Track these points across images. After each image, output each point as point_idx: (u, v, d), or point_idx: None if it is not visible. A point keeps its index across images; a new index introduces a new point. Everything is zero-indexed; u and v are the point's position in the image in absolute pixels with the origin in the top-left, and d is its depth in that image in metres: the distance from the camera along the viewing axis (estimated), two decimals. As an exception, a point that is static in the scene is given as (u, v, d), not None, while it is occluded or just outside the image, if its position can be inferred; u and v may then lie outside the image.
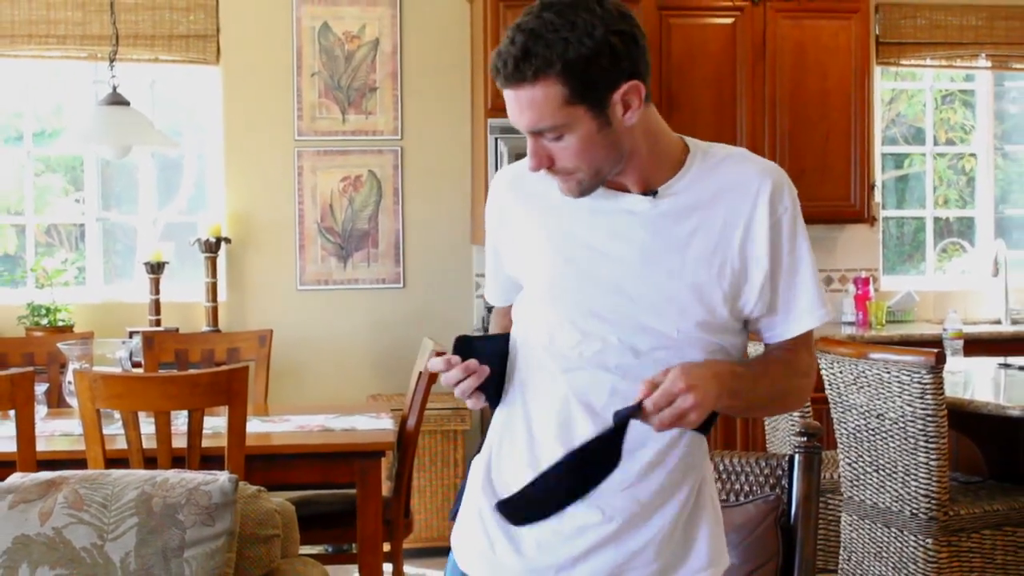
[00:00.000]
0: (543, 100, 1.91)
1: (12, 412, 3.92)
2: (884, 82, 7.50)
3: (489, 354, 2.07)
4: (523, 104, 1.93)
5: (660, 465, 2.06)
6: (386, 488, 4.77)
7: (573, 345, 2.05)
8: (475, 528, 2.18)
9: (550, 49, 1.88)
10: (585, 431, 2.00)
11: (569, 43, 1.88)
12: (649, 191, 2.06)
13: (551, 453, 2.01)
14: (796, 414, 5.09)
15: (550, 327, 2.08)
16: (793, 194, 2.11)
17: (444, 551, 2.32)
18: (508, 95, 1.95)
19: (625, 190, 2.07)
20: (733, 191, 2.07)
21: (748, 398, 2.06)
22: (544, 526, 2.04)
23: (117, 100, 5.34)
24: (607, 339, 2.03)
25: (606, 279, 2.04)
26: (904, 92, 7.71)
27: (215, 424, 4.29)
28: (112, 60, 5.55)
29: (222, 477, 2.85)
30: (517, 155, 5.06)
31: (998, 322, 7.15)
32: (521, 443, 2.12)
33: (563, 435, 2.03)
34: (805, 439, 2.68)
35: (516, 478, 2.07)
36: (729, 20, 6.74)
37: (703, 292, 2.03)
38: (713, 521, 2.18)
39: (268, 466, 4.21)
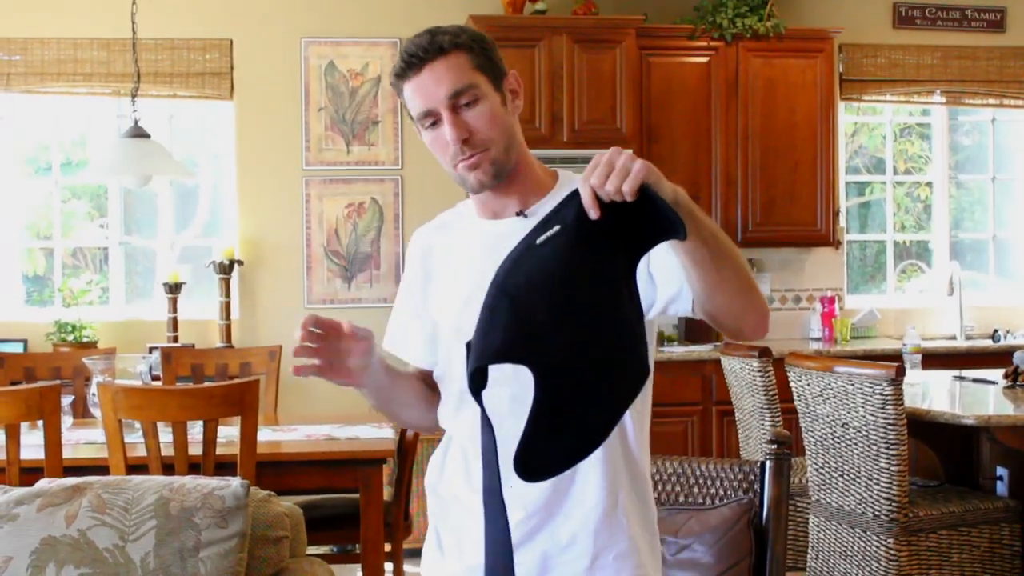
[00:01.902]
0: (457, 65, 1.99)
1: (40, 422, 3.91)
2: (847, 116, 7.52)
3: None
4: (440, 74, 1.98)
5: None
6: (387, 493, 4.76)
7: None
8: (431, 538, 2.19)
9: (454, 32, 2.02)
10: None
11: (466, 30, 2.04)
12: (519, 212, 2.08)
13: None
14: (768, 423, 5.09)
15: (456, 362, 2.01)
16: None
17: (441, 551, 2.31)
18: (423, 77, 2.00)
19: (501, 216, 2.10)
20: None
21: (710, 226, 1.81)
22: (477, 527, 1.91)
23: (138, 133, 5.34)
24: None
25: None
26: (866, 125, 7.73)
27: (228, 433, 4.27)
28: (134, 96, 5.55)
29: (235, 483, 2.84)
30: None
31: (953, 338, 7.16)
32: (458, 457, 2.12)
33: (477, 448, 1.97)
34: (775, 446, 2.68)
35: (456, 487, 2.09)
36: (704, 59, 6.76)
37: None
38: (640, 507, 2.08)
39: (278, 472, 4.20)
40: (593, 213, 1.66)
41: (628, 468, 2.05)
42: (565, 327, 1.65)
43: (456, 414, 2.12)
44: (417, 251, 2.25)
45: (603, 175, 1.65)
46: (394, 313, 2.30)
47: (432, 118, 2.01)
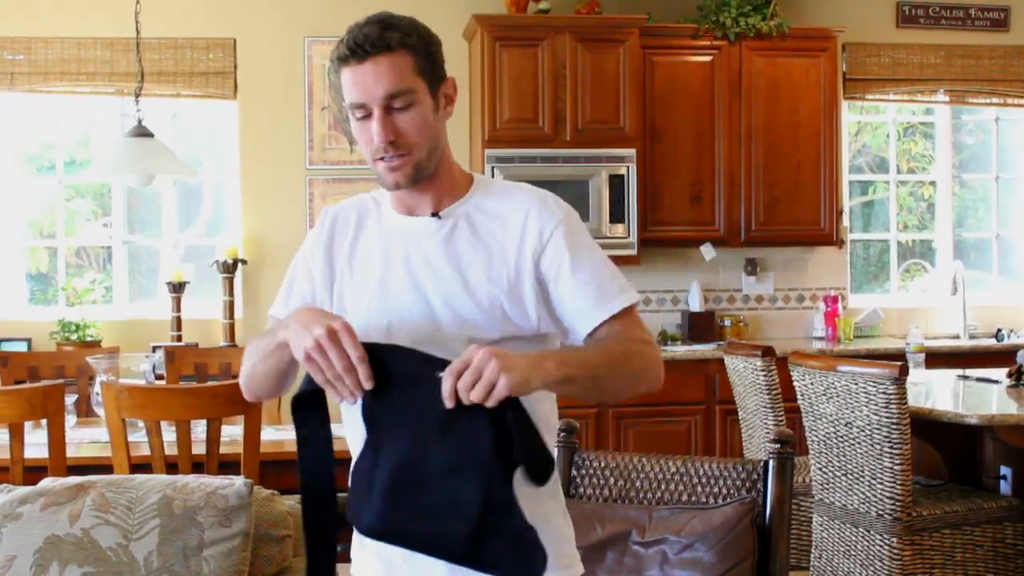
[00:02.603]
0: (401, 66, 1.99)
1: (44, 421, 3.91)
2: (851, 115, 7.52)
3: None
4: (382, 71, 1.99)
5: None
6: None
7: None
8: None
9: (404, 30, 2.02)
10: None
11: (417, 29, 2.04)
12: (434, 213, 2.09)
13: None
14: (771, 422, 5.09)
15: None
16: (562, 206, 2.11)
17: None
18: (364, 69, 2.01)
19: (415, 213, 2.11)
20: (508, 214, 2.09)
21: (581, 368, 1.92)
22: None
23: (142, 132, 5.33)
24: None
25: (403, 301, 2.05)
26: (869, 124, 7.73)
27: (232, 432, 4.27)
28: (137, 95, 5.55)
29: (238, 481, 2.85)
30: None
31: (957, 337, 7.15)
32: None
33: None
34: (779, 446, 2.68)
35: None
36: (708, 58, 6.76)
37: (489, 309, 2.02)
38: (556, 540, 2.07)
39: (281, 471, 4.19)
40: (448, 403, 1.77)
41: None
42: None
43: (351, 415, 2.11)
44: (327, 223, 2.27)
45: (467, 384, 1.75)
46: (289, 278, 2.26)
47: (364, 111, 2.04)
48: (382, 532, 1.94)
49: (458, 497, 1.80)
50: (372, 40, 1.99)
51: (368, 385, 1.86)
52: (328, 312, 1.98)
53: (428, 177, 2.07)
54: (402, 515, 1.87)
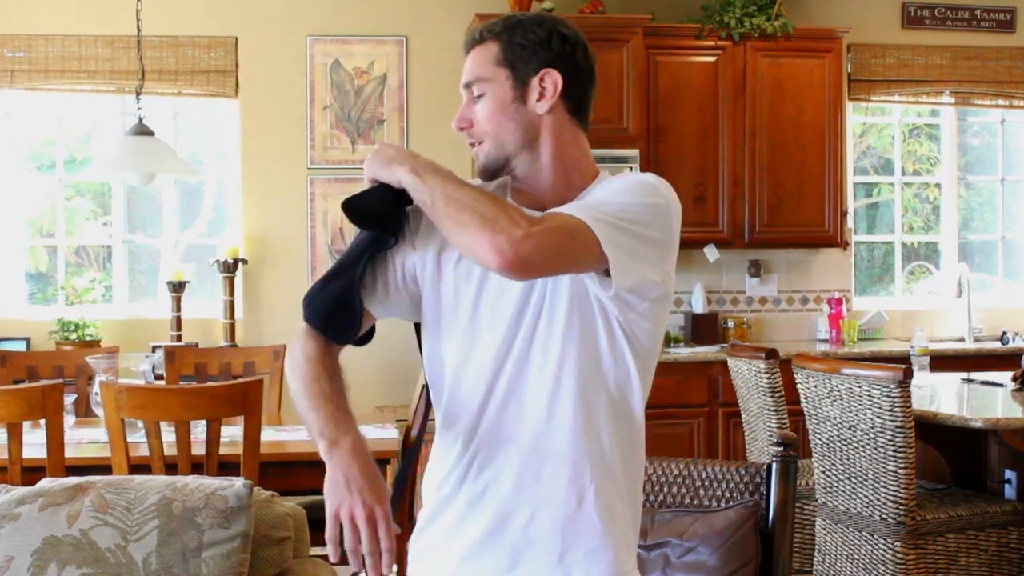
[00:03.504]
0: (481, 55, 2.09)
1: (43, 421, 3.92)
2: (855, 116, 7.51)
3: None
4: (471, 60, 2.11)
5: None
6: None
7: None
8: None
9: (503, 22, 2.11)
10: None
11: (519, 22, 2.10)
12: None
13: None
14: (774, 425, 5.09)
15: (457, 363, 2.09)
16: (655, 179, 2.07)
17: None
18: (466, 60, 2.13)
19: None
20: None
21: (425, 182, 1.96)
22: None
23: (143, 130, 5.34)
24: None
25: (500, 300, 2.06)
26: (874, 126, 7.72)
27: (232, 433, 4.27)
28: (138, 93, 5.55)
29: (238, 483, 2.84)
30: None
31: (961, 340, 7.15)
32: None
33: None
34: (782, 449, 2.68)
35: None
36: (712, 58, 6.76)
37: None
38: (612, 505, 2.07)
39: (281, 472, 4.20)
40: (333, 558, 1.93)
41: (600, 467, 2.05)
42: None
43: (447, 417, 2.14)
44: None
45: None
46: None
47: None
48: None
49: None
50: (471, 36, 2.12)
51: (388, 573, 1.91)
52: (376, 478, 1.98)
53: (530, 171, 2.09)
54: None
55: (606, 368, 2.03)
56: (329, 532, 1.94)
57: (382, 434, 4.58)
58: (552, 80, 2.07)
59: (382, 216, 2.05)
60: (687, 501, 2.80)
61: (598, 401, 2.03)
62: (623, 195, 2.00)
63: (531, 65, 2.07)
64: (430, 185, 1.95)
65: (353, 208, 2.04)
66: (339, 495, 1.94)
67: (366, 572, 1.92)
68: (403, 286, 2.12)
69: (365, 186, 2.04)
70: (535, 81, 2.07)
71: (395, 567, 1.91)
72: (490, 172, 2.11)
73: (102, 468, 3.82)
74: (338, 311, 2.12)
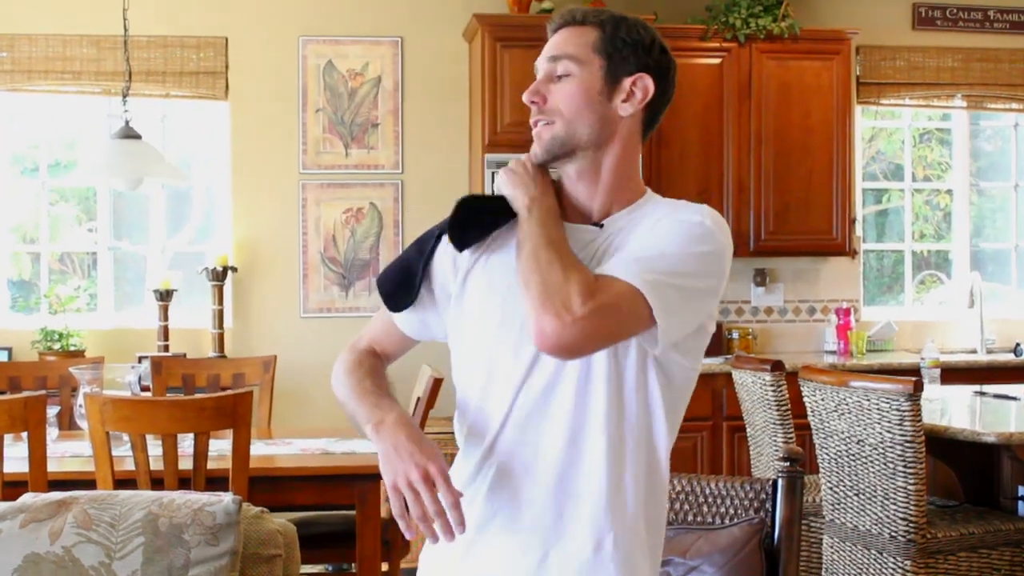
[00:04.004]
0: (579, 35, 2.07)
1: (25, 434, 3.91)
2: (864, 120, 7.52)
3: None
4: (562, 37, 2.09)
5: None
6: (384, 509, 4.75)
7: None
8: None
9: (603, 12, 2.10)
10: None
11: (624, 19, 2.10)
12: (597, 223, 2.08)
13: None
14: (780, 439, 5.09)
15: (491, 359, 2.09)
16: (709, 217, 2.02)
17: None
18: (553, 38, 2.11)
19: (580, 221, 2.09)
20: (657, 215, 2.06)
21: (541, 228, 1.98)
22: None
23: (129, 134, 5.34)
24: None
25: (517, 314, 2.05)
26: (884, 130, 7.74)
27: (220, 447, 4.27)
28: (125, 95, 5.55)
29: (226, 498, 2.84)
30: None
31: (974, 351, 7.15)
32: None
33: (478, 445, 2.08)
34: (788, 464, 2.68)
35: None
36: (716, 60, 6.77)
37: None
38: (648, 508, 2.07)
39: (271, 488, 4.19)
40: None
41: (621, 512, 2.02)
42: None
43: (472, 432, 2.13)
44: None
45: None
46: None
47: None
48: None
49: None
50: (568, 16, 2.10)
51: (460, 531, 1.93)
52: (424, 441, 2.00)
53: (589, 176, 2.08)
54: None
55: (634, 406, 2.01)
56: (394, 507, 1.95)
57: (375, 448, 4.56)
58: (644, 86, 2.07)
59: (478, 222, 2.11)
60: (690, 518, 2.80)
61: (622, 440, 2.00)
62: (678, 243, 1.96)
63: (628, 64, 2.06)
64: (530, 227, 1.98)
65: (466, 205, 2.11)
66: (392, 465, 1.96)
67: (439, 537, 1.94)
68: (434, 288, 2.18)
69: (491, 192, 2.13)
70: (627, 81, 2.06)
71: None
72: (551, 156, 2.07)
73: (86, 483, 3.81)
74: (403, 277, 2.19)
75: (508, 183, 2.06)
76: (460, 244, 2.10)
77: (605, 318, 1.88)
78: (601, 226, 2.07)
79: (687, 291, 1.95)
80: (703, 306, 2.00)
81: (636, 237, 2.00)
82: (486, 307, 2.08)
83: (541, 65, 2.09)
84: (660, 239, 1.97)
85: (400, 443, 1.98)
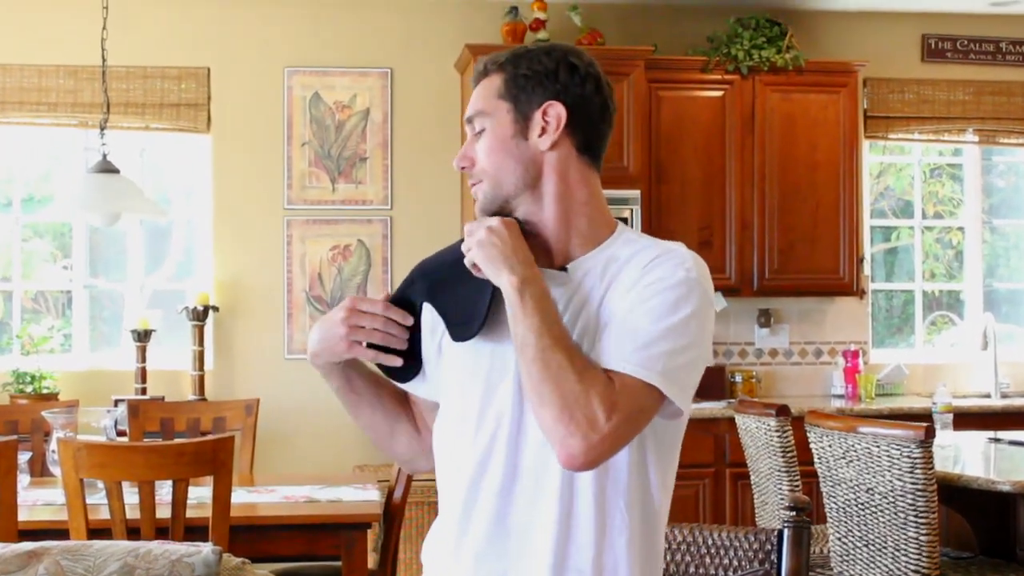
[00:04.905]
0: (486, 87, 2.11)
1: (-6, 481, 3.90)
2: (872, 155, 7.56)
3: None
4: (476, 93, 2.13)
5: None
6: (372, 560, 4.74)
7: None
8: None
9: (509, 55, 2.12)
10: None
11: (526, 52, 2.12)
12: (561, 267, 2.08)
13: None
14: (786, 487, 5.08)
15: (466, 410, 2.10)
16: (689, 264, 2.01)
17: (430, 626, 2.30)
18: (474, 92, 2.15)
19: (544, 262, 2.08)
20: (636, 259, 2.05)
21: (534, 315, 1.93)
22: None
23: (107, 167, 5.35)
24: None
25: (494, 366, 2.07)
26: (892, 165, 7.77)
27: (200, 494, 4.25)
28: (103, 128, 5.56)
29: (206, 549, 2.83)
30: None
31: (987, 396, 7.15)
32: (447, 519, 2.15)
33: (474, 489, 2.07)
34: (794, 513, 2.67)
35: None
36: (719, 93, 6.80)
37: None
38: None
39: (253, 537, 4.18)
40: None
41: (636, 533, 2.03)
42: None
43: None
44: None
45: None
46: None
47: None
48: None
49: None
50: (479, 68, 2.15)
51: (408, 321, 2.11)
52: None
53: (534, 212, 2.09)
54: None
55: (627, 475, 2.02)
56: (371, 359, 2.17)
57: (363, 496, 4.56)
58: (556, 113, 2.07)
59: (470, 311, 2.09)
60: (692, 570, 2.79)
61: (614, 509, 2.01)
62: (668, 315, 1.95)
63: (534, 97, 2.07)
64: (527, 317, 1.93)
65: (442, 294, 2.14)
66: (327, 335, 2.13)
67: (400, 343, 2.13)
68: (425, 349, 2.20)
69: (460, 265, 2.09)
70: (537, 115, 2.07)
71: None
72: (490, 212, 2.09)
73: (58, 532, 3.80)
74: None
75: (487, 260, 1.99)
76: (469, 336, 2.08)
77: (629, 425, 1.91)
78: (565, 270, 2.07)
79: (690, 362, 1.97)
80: (703, 361, 2.03)
81: (619, 302, 1.99)
82: (462, 378, 2.11)
83: (466, 128, 2.14)
84: (650, 312, 1.95)
85: (322, 320, 2.14)
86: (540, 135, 2.07)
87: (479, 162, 2.10)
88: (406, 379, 2.19)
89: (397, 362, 2.11)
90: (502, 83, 2.08)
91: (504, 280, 1.97)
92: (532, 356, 1.91)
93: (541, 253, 2.08)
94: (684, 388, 1.96)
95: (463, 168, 2.13)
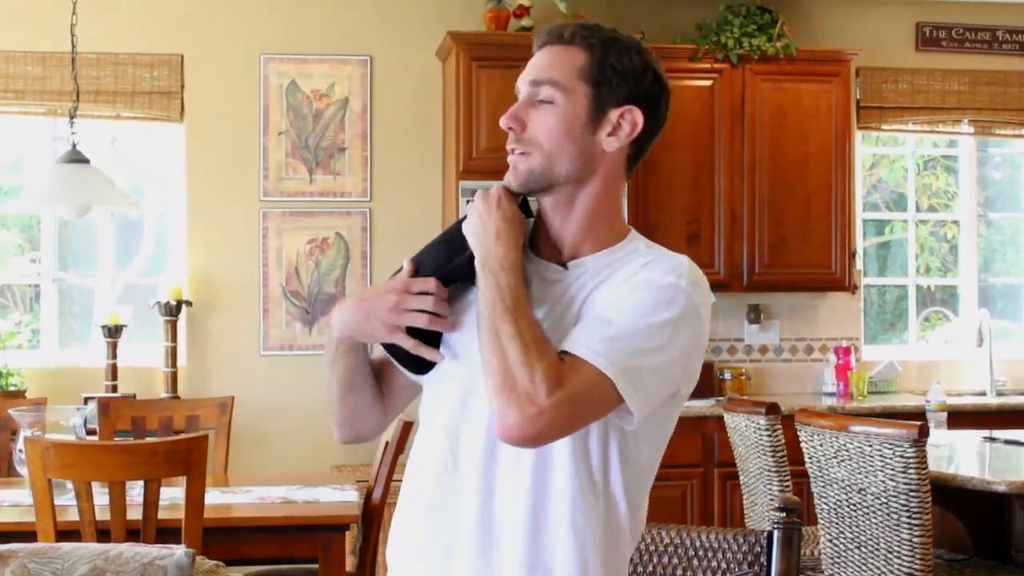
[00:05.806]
0: (565, 57, 2.03)
1: (-40, 481, 3.89)
2: (865, 147, 7.57)
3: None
4: (546, 57, 2.05)
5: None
6: (350, 563, 4.73)
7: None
8: None
9: (593, 30, 2.05)
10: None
11: (616, 41, 2.05)
12: (564, 263, 2.07)
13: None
14: (776, 488, 5.09)
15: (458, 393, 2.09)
16: (683, 272, 2.00)
17: (409, 630, 2.30)
18: (536, 56, 2.08)
19: (550, 255, 2.08)
20: (626, 263, 2.06)
21: (498, 291, 1.94)
22: None
23: (76, 158, 5.33)
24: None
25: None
26: (886, 157, 7.79)
27: (172, 495, 4.24)
28: (72, 116, 5.54)
29: (178, 551, 2.82)
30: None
31: (983, 394, 7.18)
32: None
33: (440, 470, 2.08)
34: (784, 515, 2.68)
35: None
36: (707, 82, 6.81)
37: None
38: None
39: (227, 539, 4.17)
40: None
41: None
42: None
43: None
44: None
45: None
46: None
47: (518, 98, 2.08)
48: None
49: None
50: (557, 32, 2.05)
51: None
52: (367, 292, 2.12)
53: (564, 210, 2.06)
54: None
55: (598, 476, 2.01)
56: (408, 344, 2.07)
57: (341, 496, 4.55)
58: (632, 120, 2.05)
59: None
60: (679, 572, 2.80)
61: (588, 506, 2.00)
62: (644, 313, 1.94)
63: (616, 94, 2.03)
64: (487, 290, 1.95)
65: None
66: (373, 317, 2.07)
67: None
68: None
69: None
70: (614, 114, 2.04)
71: None
72: (527, 190, 2.05)
73: (25, 534, 3.78)
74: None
75: (470, 231, 2.03)
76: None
77: (571, 407, 1.88)
78: (565, 267, 2.07)
79: (656, 367, 1.94)
80: (678, 373, 1.99)
81: (603, 295, 1.99)
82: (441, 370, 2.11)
83: (522, 87, 2.06)
84: (627, 307, 1.95)
85: (362, 299, 2.08)
86: (609, 134, 2.04)
87: (534, 132, 2.02)
88: (427, 371, 2.13)
89: (439, 357, 2.06)
90: (587, 64, 2.01)
91: (477, 254, 1.99)
92: (484, 327, 1.92)
93: (554, 243, 2.08)
94: (641, 391, 1.92)
95: (511, 128, 2.04)
